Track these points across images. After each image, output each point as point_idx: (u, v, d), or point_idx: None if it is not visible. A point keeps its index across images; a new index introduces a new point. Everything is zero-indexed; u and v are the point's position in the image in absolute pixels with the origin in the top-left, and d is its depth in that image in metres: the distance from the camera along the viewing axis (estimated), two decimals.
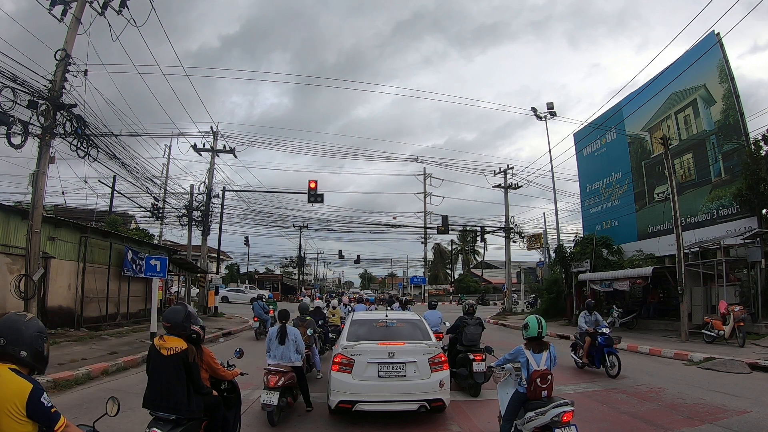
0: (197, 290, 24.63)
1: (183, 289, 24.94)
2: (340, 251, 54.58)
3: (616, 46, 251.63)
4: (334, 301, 17.40)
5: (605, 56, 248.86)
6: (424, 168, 44.60)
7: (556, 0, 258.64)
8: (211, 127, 24.46)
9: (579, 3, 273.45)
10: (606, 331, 9.73)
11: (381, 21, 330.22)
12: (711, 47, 16.97)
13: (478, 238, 44.35)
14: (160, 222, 25.73)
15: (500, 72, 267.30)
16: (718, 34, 17.04)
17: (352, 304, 16.99)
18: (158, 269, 13.29)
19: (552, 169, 26.78)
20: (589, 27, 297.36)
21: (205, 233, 24.11)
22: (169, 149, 28.91)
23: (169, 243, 29.94)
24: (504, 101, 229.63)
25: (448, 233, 33.58)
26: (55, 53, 10.73)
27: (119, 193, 23.33)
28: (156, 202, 23.32)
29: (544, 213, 74.80)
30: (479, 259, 67.15)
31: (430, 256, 55.62)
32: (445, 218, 30.90)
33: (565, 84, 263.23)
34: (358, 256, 55.34)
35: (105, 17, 11.37)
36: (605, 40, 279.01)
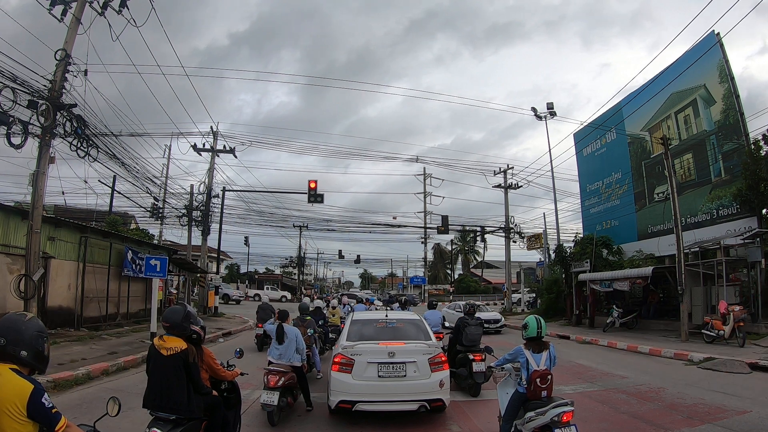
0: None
1: (183, 288, 24.94)
2: (340, 251, 54.70)
3: (628, 47, 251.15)
4: (334, 301, 17.41)
5: (617, 56, 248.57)
6: (424, 168, 44.78)
7: (570, 0, 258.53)
8: (211, 127, 24.53)
9: (593, 3, 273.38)
10: None
11: (393, 19, 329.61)
12: (711, 47, 16.98)
13: (478, 238, 44.43)
14: (160, 222, 25.74)
15: (512, 71, 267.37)
16: (718, 34, 17.05)
17: (352, 304, 17.02)
18: (158, 269, 13.29)
19: (552, 169, 26.79)
20: (601, 27, 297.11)
21: (205, 233, 24.11)
22: (169, 149, 28.98)
23: (169, 243, 29.95)
24: (515, 100, 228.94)
25: (448, 233, 33.60)
26: (55, 53, 10.72)
27: (119, 193, 23.37)
28: (156, 202, 23.34)
29: (544, 213, 74.75)
30: (479, 259, 67.16)
31: (430, 256, 55.70)
32: (444, 218, 30.91)
33: (576, 84, 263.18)
34: (358, 256, 55.44)
35: (105, 17, 11.37)
36: (617, 41, 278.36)
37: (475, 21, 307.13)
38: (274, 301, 41.37)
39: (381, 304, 20.44)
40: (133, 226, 28.30)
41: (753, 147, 15.86)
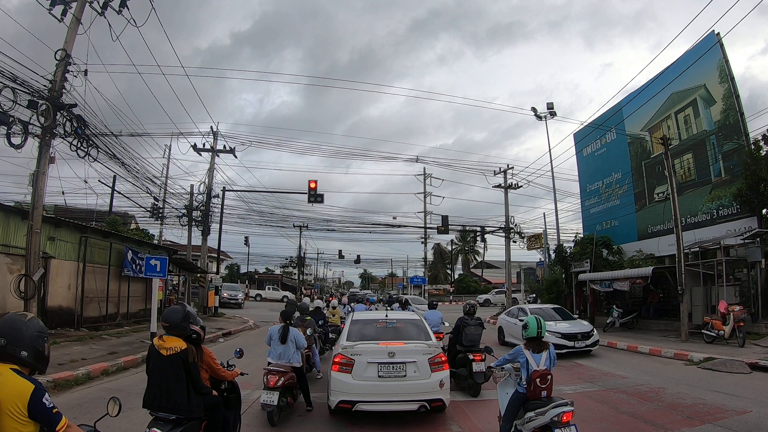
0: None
1: (184, 288, 24.94)
2: (340, 251, 54.61)
3: (631, 47, 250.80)
4: (334, 301, 17.41)
5: (620, 56, 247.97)
6: (424, 168, 44.68)
7: (573, 0, 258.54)
8: (211, 127, 24.51)
9: (596, 3, 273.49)
10: None
11: (396, 19, 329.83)
12: (711, 47, 16.97)
13: (478, 238, 44.41)
14: (160, 222, 25.72)
15: (515, 71, 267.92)
16: (718, 34, 17.05)
17: (351, 305, 17.00)
18: (158, 269, 13.28)
19: (552, 169, 26.75)
20: (604, 27, 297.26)
21: (205, 233, 24.10)
22: (169, 149, 28.98)
23: (169, 243, 29.93)
24: (517, 100, 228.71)
25: (448, 233, 33.56)
26: (55, 53, 10.71)
27: (119, 193, 23.34)
28: (156, 202, 23.32)
29: (544, 213, 74.76)
30: (479, 259, 67.16)
31: (430, 256, 55.57)
32: (445, 218, 30.88)
33: (579, 84, 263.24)
34: (358, 256, 55.35)
35: (105, 17, 11.36)
36: (620, 41, 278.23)
37: (478, 21, 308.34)
38: (275, 301, 41.52)
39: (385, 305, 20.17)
40: (133, 226, 28.28)
41: (753, 147, 15.85)
